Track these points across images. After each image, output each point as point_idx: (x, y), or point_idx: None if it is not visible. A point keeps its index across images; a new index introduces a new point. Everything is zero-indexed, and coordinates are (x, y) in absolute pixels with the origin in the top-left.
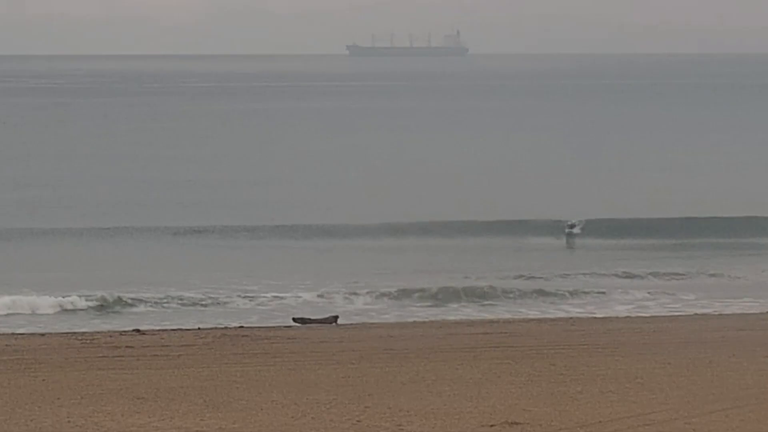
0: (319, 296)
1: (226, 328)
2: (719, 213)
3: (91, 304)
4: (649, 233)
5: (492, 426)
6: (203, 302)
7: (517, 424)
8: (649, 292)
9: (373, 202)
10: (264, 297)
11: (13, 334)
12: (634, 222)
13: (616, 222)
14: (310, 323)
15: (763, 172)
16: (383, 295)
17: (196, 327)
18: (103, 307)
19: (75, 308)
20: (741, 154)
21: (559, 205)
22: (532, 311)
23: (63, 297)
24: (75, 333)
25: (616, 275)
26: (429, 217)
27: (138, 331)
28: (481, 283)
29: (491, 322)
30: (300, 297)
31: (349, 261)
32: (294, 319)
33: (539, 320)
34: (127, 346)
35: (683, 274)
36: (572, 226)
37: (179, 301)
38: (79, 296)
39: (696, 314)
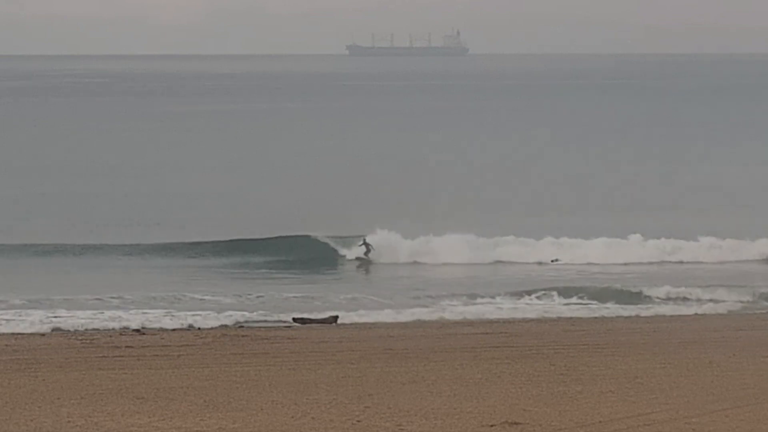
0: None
1: (226, 327)
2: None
3: None
4: None
5: (492, 426)
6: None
7: (517, 424)
8: None
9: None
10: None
11: (13, 334)
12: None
13: None
14: (310, 323)
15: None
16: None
17: (197, 327)
18: None
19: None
20: (739, 156)
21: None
22: None
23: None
24: (75, 333)
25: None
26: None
27: (138, 331)
28: None
29: (491, 322)
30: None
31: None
32: (294, 319)
33: (539, 320)
34: (127, 346)
35: None
36: (367, 244)
37: None
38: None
39: (696, 314)
